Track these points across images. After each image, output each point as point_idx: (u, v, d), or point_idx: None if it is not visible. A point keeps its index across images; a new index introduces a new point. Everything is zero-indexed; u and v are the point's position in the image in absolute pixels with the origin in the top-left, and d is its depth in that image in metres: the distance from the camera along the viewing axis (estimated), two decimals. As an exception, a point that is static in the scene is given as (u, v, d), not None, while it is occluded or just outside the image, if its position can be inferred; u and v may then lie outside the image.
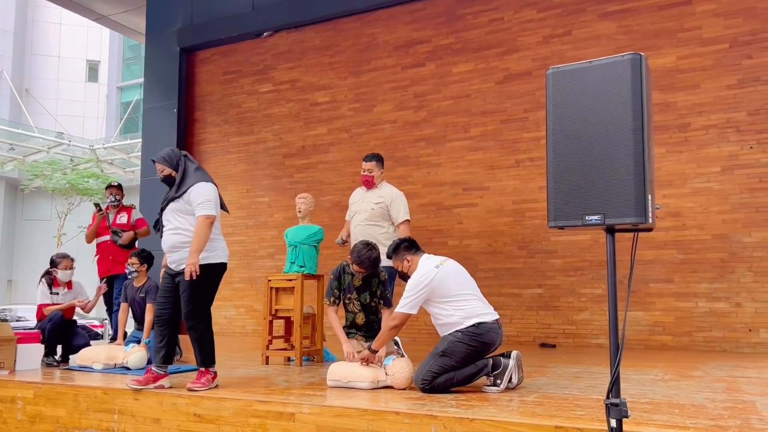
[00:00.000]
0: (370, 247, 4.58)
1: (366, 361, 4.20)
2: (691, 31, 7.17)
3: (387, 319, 4.61)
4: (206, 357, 4.15)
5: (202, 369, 4.14)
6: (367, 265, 4.54)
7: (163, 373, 4.19)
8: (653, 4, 7.36)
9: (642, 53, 2.46)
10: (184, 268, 4.05)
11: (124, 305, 5.84)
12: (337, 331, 4.61)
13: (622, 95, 2.40)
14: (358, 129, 9.01)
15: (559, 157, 2.54)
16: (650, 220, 2.44)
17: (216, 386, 4.12)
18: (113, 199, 6.63)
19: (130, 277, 5.75)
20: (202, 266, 4.03)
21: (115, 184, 6.82)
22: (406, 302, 4.03)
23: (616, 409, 2.35)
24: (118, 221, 6.60)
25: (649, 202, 2.43)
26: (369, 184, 5.55)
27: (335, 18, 9.25)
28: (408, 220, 5.47)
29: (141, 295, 5.70)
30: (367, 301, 4.70)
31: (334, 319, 4.66)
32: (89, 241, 6.68)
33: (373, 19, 9.02)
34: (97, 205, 6.68)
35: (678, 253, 6.98)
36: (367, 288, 4.68)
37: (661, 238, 6.99)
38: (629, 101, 2.38)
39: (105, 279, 6.42)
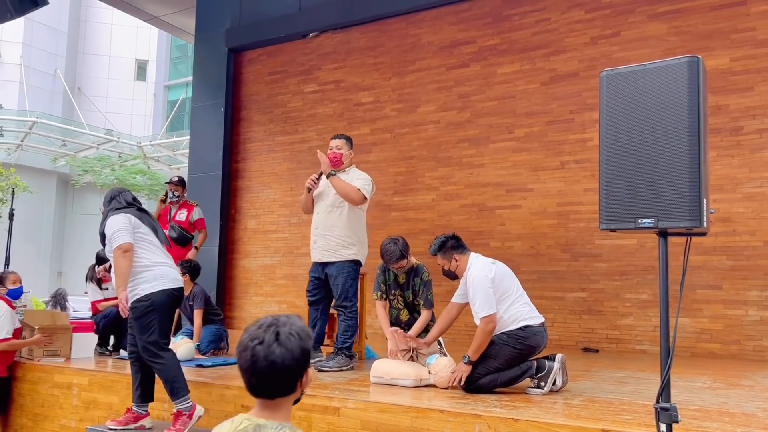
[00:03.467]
0: (393, 241, 4.56)
1: (456, 379, 4.03)
2: (746, 33, 6.99)
3: (425, 321, 4.59)
4: (172, 390, 3.81)
5: (175, 411, 3.84)
6: (397, 257, 4.53)
7: (144, 412, 4.03)
8: (706, 4, 7.20)
9: (699, 56, 2.43)
10: (135, 299, 3.86)
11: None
12: (384, 327, 4.64)
13: (678, 98, 2.39)
14: (401, 129, 9.05)
15: (612, 159, 2.54)
16: (705, 225, 2.42)
17: (199, 418, 3.84)
18: (172, 195, 6.50)
19: None
20: (138, 300, 3.81)
21: (175, 179, 6.60)
22: (484, 303, 3.90)
23: (666, 414, 2.34)
24: (177, 217, 6.51)
25: (704, 205, 2.41)
26: (337, 162, 5.08)
27: (380, 19, 9.30)
28: (365, 197, 5.00)
29: (190, 302, 5.86)
30: (411, 298, 4.72)
31: (383, 314, 4.69)
32: None
33: (419, 20, 9.05)
34: (165, 196, 6.55)
35: (728, 260, 6.81)
36: (410, 286, 4.70)
37: (709, 244, 6.84)
38: (685, 104, 2.37)
39: None
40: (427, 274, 4.71)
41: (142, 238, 3.97)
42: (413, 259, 4.71)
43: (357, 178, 5.07)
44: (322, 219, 5.08)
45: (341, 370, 4.84)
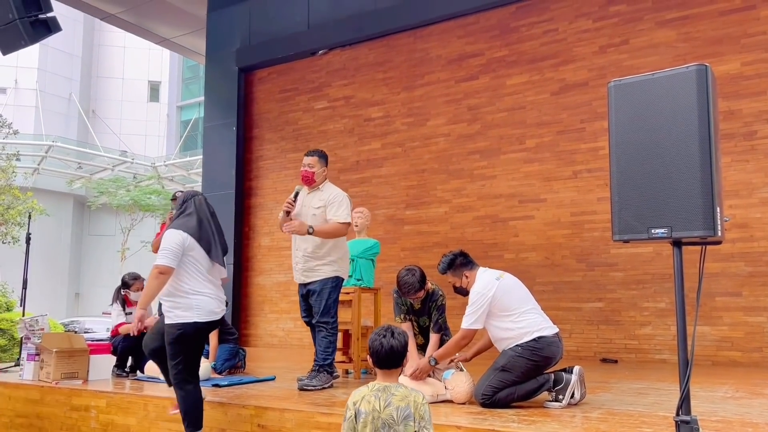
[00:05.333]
0: (411, 272, 4.48)
1: (420, 374, 4.21)
2: (756, 37, 6.94)
3: (435, 345, 4.51)
4: (187, 419, 3.78)
5: None
6: (416, 289, 4.49)
7: None
8: (714, 10, 7.17)
9: (707, 64, 2.42)
10: (168, 322, 3.82)
11: None
12: (411, 349, 4.49)
13: (687, 107, 2.37)
14: (411, 143, 9.07)
15: (623, 170, 2.52)
16: (719, 233, 2.40)
17: None
18: None
19: None
20: (170, 325, 3.78)
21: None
22: (471, 318, 4.00)
23: (686, 427, 2.30)
24: None
25: (718, 214, 2.38)
26: (308, 180, 4.97)
27: (388, 34, 9.36)
28: (348, 223, 4.91)
29: None
30: (426, 324, 4.67)
31: (410, 337, 4.60)
32: (156, 250, 6.68)
33: (426, 34, 9.09)
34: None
35: (746, 266, 6.72)
36: (425, 312, 4.65)
37: (727, 250, 6.75)
38: (695, 113, 2.35)
39: None
40: (442, 297, 4.62)
41: (191, 261, 3.87)
42: (429, 284, 4.64)
43: (333, 201, 4.95)
44: (302, 240, 4.96)
45: (323, 388, 4.75)
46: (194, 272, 3.87)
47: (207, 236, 3.99)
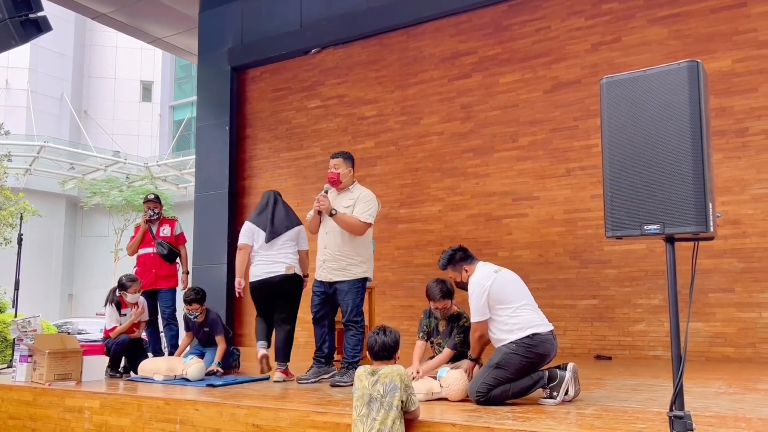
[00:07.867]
0: (441, 281, 4.54)
1: (469, 371, 4.31)
2: (747, 34, 6.97)
3: (444, 359, 4.50)
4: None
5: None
6: (443, 294, 4.51)
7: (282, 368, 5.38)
8: (705, 7, 7.20)
9: (699, 60, 2.43)
10: None
11: (188, 334, 6.02)
12: (414, 362, 4.55)
13: (679, 103, 2.38)
14: (405, 141, 9.07)
15: (615, 166, 2.53)
16: (711, 229, 2.41)
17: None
18: (152, 213, 6.56)
19: (193, 318, 5.86)
20: None
21: (152, 197, 6.70)
22: (474, 310, 4.08)
23: (680, 422, 2.31)
24: (161, 234, 6.55)
25: (710, 210, 2.39)
26: (335, 181, 5.09)
27: (381, 33, 9.35)
28: (369, 224, 5.00)
29: (206, 329, 5.86)
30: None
31: (418, 352, 4.64)
32: (131, 253, 6.66)
33: (419, 33, 9.09)
34: (148, 217, 6.61)
35: (738, 262, 6.76)
36: (449, 333, 4.65)
37: (720, 247, 6.79)
38: (687, 109, 2.36)
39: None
40: (466, 320, 4.59)
41: (255, 240, 5.39)
42: (455, 307, 4.66)
43: (360, 199, 5.04)
44: (331, 239, 5.05)
45: (351, 385, 4.79)
46: (255, 248, 5.37)
47: (263, 221, 5.38)
